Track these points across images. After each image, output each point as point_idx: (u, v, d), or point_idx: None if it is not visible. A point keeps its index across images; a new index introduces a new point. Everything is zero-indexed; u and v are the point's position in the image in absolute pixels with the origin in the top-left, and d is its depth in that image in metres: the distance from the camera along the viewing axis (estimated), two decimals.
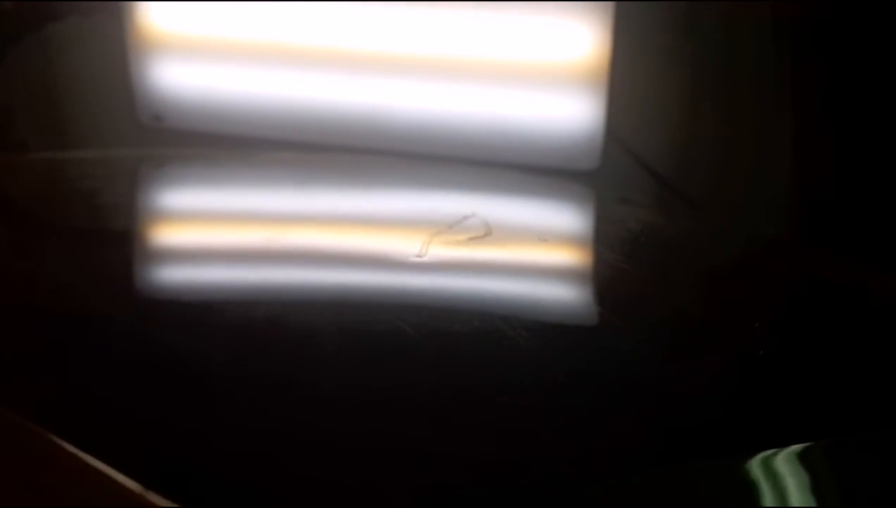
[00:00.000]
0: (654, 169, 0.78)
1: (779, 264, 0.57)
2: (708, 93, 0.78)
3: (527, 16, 0.74)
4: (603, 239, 0.57)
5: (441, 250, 0.50)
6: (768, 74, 0.77)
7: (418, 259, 0.49)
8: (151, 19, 0.74)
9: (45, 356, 0.42)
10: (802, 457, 0.33)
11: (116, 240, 0.56)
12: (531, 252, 0.53)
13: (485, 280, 0.49)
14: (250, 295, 0.48)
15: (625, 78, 0.75)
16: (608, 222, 0.63)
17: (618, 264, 0.52)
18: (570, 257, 0.55)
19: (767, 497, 0.32)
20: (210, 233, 0.59)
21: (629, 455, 0.34)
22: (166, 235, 0.60)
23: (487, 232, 0.51)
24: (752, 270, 0.54)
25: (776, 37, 0.76)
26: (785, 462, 0.32)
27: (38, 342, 0.43)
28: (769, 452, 0.32)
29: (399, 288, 0.49)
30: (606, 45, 0.73)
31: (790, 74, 0.77)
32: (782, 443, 0.33)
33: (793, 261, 0.58)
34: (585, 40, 0.74)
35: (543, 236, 0.55)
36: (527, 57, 0.75)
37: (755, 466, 0.32)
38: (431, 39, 0.75)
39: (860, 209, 0.74)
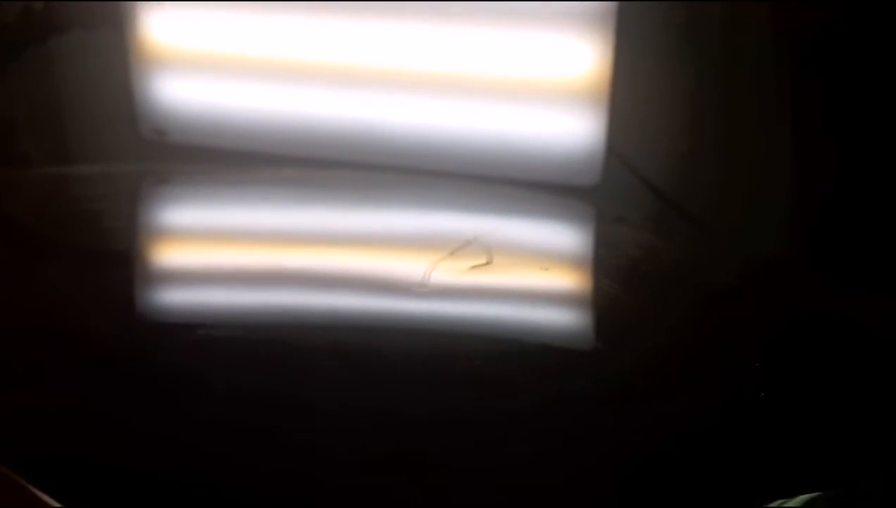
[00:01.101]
0: (654, 185, 0.78)
1: (776, 289, 0.57)
2: (710, 111, 0.78)
3: (528, 33, 0.74)
4: (601, 266, 0.57)
5: (442, 278, 0.50)
6: (771, 91, 0.77)
7: (421, 288, 0.49)
8: (154, 34, 0.74)
9: (41, 375, 0.42)
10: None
11: (118, 259, 0.56)
12: (532, 279, 0.53)
13: (485, 308, 0.50)
14: (250, 318, 0.49)
15: (626, 95, 0.75)
16: (607, 246, 0.63)
17: (616, 292, 0.52)
18: (569, 285, 0.56)
19: None
20: (211, 252, 0.59)
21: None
22: (168, 254, 0.60)
23: (489, 260, 0.52)
24: (749, 296, 0.55)
25: (779, 55, 0.77)
26: None
27: (36, 359, 0.44)
28: (772, 505, 0.33)
29: (400, 316, 0.49)
30: (608, 62, 0.73)
31: (793, 92, 0.77)
32: (781, 493, 0.33)
33: (790, 284, 0.59)
34: (586, 57, 0.74)
35: (545, 266, 0.56)
36: (528, 74, 0.75)
37: None
38: (432, 56, 0.75)
39: (861, 228, 0.74)
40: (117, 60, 0.74)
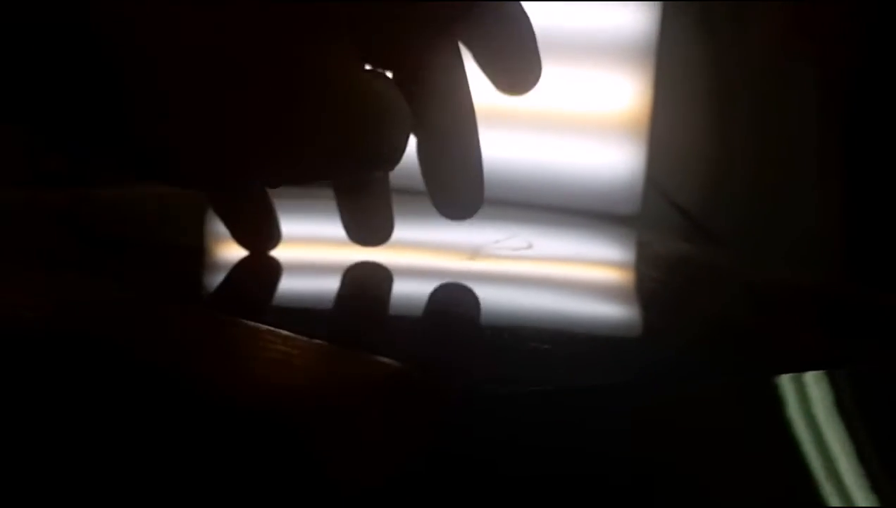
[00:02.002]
0: (692, 215, 0.81)
1: (818, 297, 0.57)
2: (748, 143, 0.81)
3: (571, 67, 0.78)
4: (643, 259, 0.60)
5: (485, 261, 0.53)
6: (812, 122, 0.80)
7: (469, 262, 0.52)
8: None
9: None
10: (828, 376, 0.35)
11: (183, 253, 0.59)
12: (571, 267, 0.56)
13: (525, 290, 0.52)
14: (304, 301, 0.51)
15: (665, 127, 0.78)
16: (648, 247, 0.65)
17: (657, 280, 0.54)
18: (610, 273, 0.58)
19: (792, 403, 0.34)
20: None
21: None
22: (231, 249, 0.64)
23: (529, 246, 0.55)
24: (791, 298, 0.55)
25: (821, 84, 0.79)
26: (812, 378, 0.35)
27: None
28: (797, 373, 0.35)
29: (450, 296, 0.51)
30: (647, 94, 0.77)
31: (834, 125, 0.79)
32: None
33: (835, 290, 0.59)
34: (627, 90, 0.78)
35: (582, 253, 0.58)
36: (571, 106, 0.79)
37: (783, 378, 0.35)
38: (480, 88, 0.79)
39: None
40: None
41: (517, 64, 0.46)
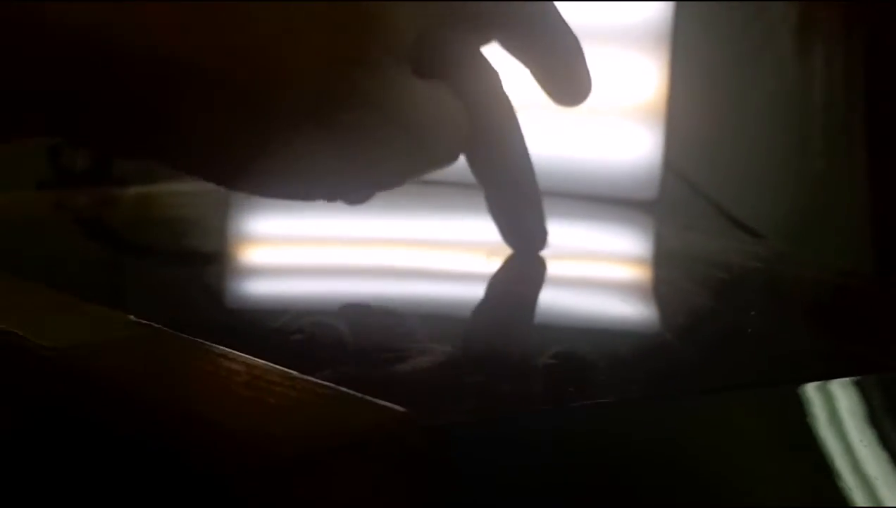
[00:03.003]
0: (712, 200, 0.80)
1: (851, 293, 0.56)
2: (767, 125, 0.81)
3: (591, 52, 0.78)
4: (664, 260, 0.59)
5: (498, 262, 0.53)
6: (837, 104, 0.79)
7: (485, 266, 0.52)
8: None
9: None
10: (857, 384, 0.35)
11: (205, 258, 0.60)
12: (586, 267, 0.56)
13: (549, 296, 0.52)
14: (328, 306, 0.51)
15: (683, 111, 0.78)
16: (669, 243, 0.65)
17: (678, 282, 0.54)
18: (625, 273, 0.58)
19: (820, 415, 0.34)
20: (291, 253, 0.63)
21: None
22: (249, 255, 0.64)
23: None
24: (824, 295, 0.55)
25: (847, 67, 0.78)
26: (839, 387, 0.34)
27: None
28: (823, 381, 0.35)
29: (469, 303, 0.51)
30: (665, 78, 0.77)
31: (861, 106, 0.78)
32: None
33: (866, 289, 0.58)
34: (645, 76, 0.77)
35: (599, 250, 0.57)
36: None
37: (809, 389, 0.34)
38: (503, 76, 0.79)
39: None
40: None
41: (571, 75, 0.48)
